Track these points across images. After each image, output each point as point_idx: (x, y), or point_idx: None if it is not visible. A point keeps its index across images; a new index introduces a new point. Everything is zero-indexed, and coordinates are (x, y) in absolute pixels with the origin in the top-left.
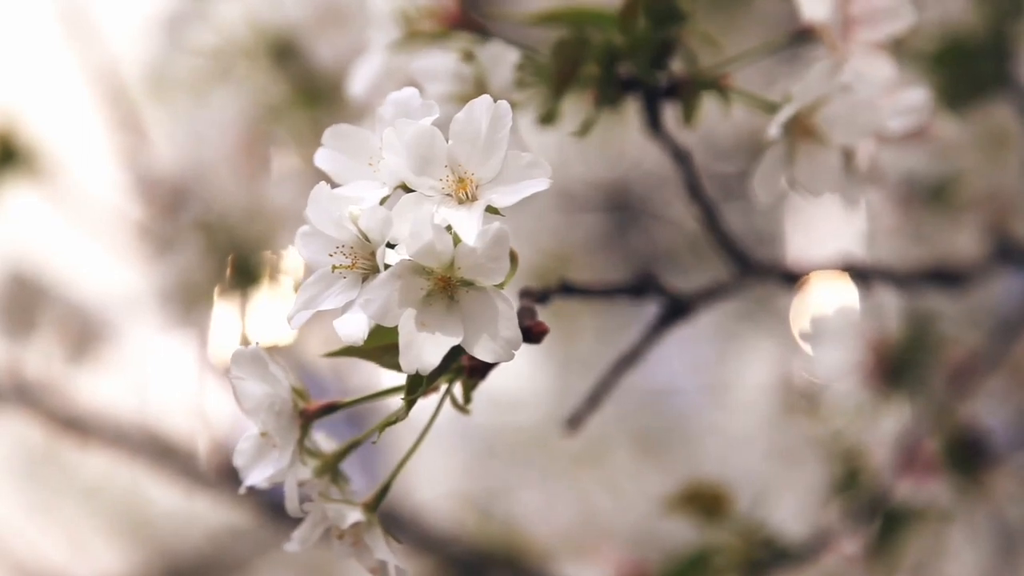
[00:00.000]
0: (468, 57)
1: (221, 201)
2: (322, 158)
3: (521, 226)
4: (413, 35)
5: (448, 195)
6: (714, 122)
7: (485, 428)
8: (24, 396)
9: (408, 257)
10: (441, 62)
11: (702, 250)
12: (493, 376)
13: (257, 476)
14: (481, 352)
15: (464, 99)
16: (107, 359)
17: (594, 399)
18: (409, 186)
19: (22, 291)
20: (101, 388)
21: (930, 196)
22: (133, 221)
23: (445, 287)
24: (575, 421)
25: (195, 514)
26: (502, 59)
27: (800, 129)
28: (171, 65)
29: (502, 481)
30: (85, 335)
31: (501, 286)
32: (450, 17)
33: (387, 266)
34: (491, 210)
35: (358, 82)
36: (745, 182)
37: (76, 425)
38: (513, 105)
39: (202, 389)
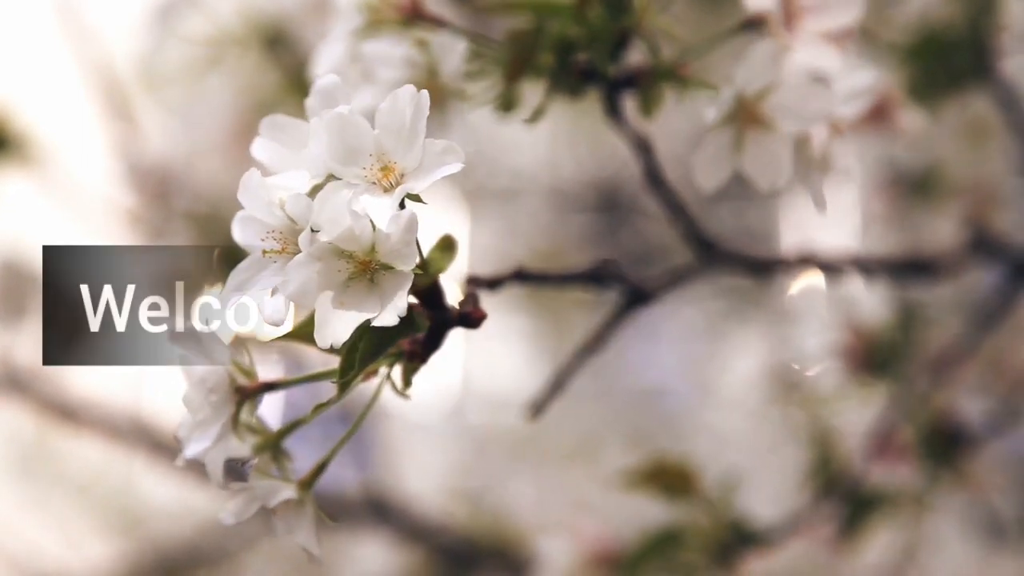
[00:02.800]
0: (421, 45)
1: (211, 189)
2: (258, 148)
3: (512, 225)
4: (377, 23)
5: (373, 183)
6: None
7: (477, 425)
8: (15, 385)
9: (328, 241)
10: (392, 49)
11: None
12: (485, 373)
13: (192, 450)
14: (376, 320)
15: (417, 85)
16: None
17: (556, 385)
18: (335, 175)
19: (13, 279)
20: (92, 378)
21: (913, 188)
22: (124, 209)
23: (365, 270)
24: (537, 407)
25: (186, 506)
26: (451, 48)
27: (747, 117)
28: (163, 54)
29: (494, 477)
30: None
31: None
32: (405, 6)
33: None
34: (414, 197)
35: (320, 68)
36: (736, 179)
37: (68, 415)
38: (461, 93)
39: None
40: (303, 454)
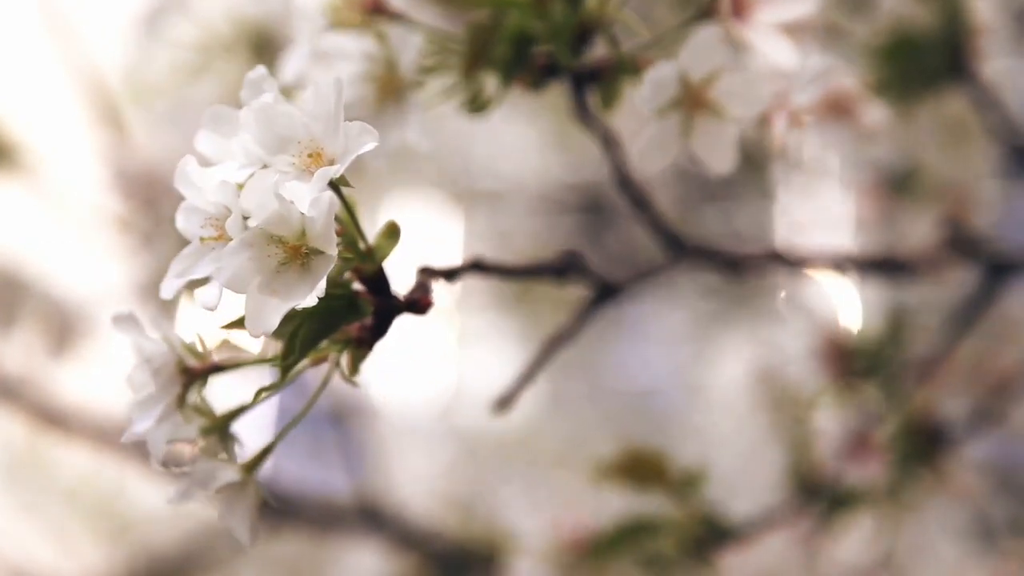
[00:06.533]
0: (380, 38)
1: None
2: (201, 139)
3: (505, 227)
4: (340, 24)
5: (303, 171)
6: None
7: (468, 428)
8: (5, 391)
9: (259, 226)
10: (351, 42)
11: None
12: (476, 376)
13: (136, 427)
14: (300, 303)
15: (376, 79)
16: (88, 354)
17: (525, 378)
18: (266, 163)
19: (2, 285)
20: (82, 383)
21: (895, 188)
22: (113, 215)
23: (296, 255)
24: (504, 402)
25: (177, 512)
26: (407, 41)
27: (695, 102)
28: (151, 60)
29: (485, 481)
30: (66, 330)
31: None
32: (366, 3)
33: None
34: (342, 181)
35: (286, 71)
36: (727, 182)
37: (58, 421)
38: (419, 86)
39: None
40: (289, 453)
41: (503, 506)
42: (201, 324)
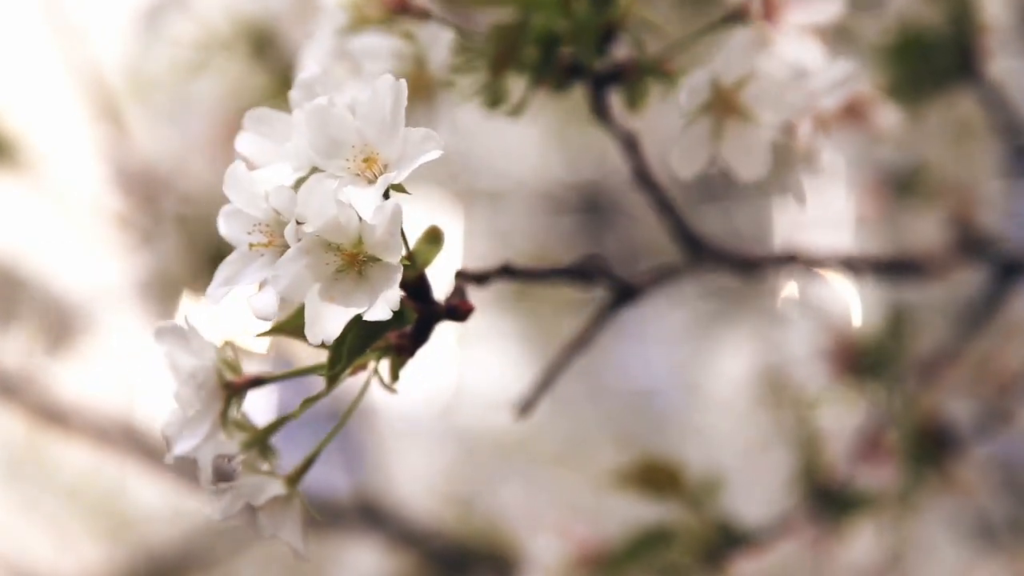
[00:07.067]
0: (408, 37)
1: (200, 192)
2: (243, 142)
3: (504, 227)
4: (361, 21)
5: (357, 175)
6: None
7: (468, 428)
8: (5, 388)
9: (315, 233)
10: (379, 41)
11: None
12: (477, 376)
13: (182, 446)
14: (369, 314)
15: (405, 77)
16: (88, 351)
17: (545, 383)
18: (318, 167)
19: (1, 282)
20: (82, 381)
21: (900, 188)
22: (113, 213)
23: (353, 263)
24: (526, 406)
25: (177, 510)
26: (438, 39)
27: (725, 106)
28: (150, 58)
29: (485, 480)
30: (65, 327)
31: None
32: (391, 1)
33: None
34: (398, 188)
35: (308, 66)
36: (728, 182)
37: (58, 419)
38: (450, 84)
39: None
40: (293, 457)
41: (504, 506)
42: (208, 325)
